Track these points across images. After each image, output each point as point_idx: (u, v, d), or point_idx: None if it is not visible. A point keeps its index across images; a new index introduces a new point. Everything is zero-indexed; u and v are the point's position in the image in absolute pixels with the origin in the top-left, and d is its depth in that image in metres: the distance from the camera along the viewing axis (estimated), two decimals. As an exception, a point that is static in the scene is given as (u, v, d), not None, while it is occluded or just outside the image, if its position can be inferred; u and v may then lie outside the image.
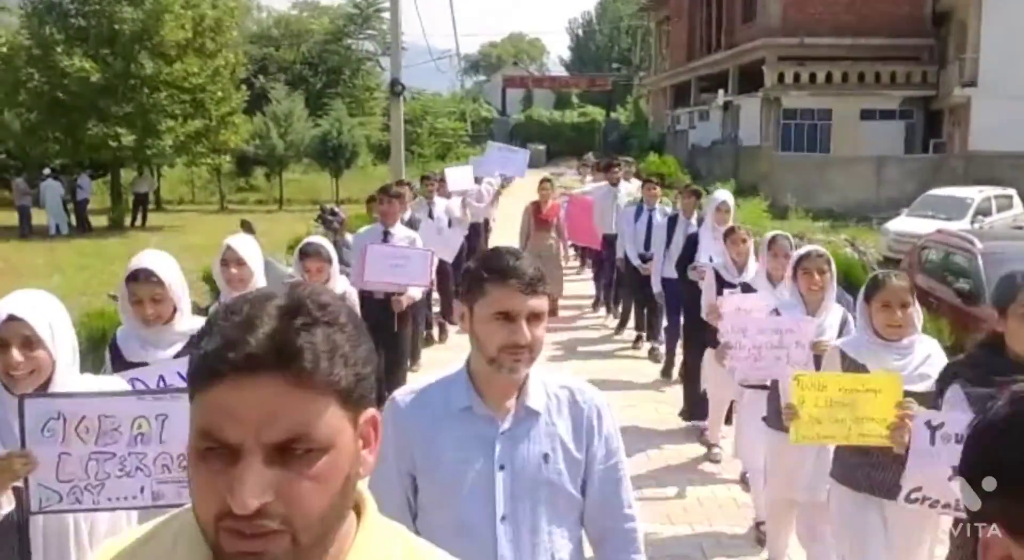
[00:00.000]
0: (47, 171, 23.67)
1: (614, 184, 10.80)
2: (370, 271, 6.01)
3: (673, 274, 7.58)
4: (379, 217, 6.68)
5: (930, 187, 20.43)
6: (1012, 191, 18.86)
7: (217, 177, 32.86)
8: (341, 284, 4.98)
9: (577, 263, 14.50)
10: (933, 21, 29.93)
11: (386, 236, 6.49)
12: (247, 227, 8.66)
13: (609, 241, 10.24)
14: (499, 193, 13.04)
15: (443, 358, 8.51)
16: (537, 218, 10.39)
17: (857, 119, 29.83)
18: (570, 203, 11.48)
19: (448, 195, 10.30)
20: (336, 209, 10.24)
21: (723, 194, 7.20)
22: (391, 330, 6.20)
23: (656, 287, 8.26)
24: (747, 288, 5.27)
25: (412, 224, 7.83)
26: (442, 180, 11.02)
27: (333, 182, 31.77)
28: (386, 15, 36.05)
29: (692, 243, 7.05)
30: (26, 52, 23.27)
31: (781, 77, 29.97)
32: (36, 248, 19.28)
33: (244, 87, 28.14)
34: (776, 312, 4.33)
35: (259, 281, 3.92)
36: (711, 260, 6.39)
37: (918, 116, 29.85)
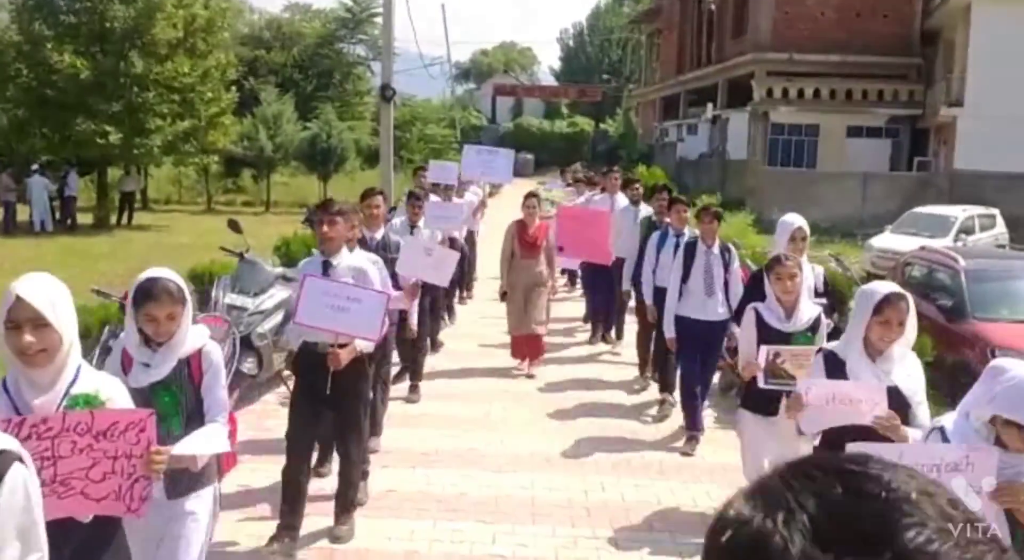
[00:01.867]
0: (34, 167, 23.55)
1: (612, 194, 9.97)
2: (304, 311, 4.53)
3: (693, 314, 6.61)
4: (319, 242, 4.98)
5: (914, 204, 20.62)
6: (995, 211, 19.04)
7: (205, 178, 32.73)
8: (198, 336, 3.13)
9: (566, 282, 13.56)
10: (921, 41, 30.30)
11: (326, 268, 4.84)
12: (235, 226, 8.61)
13: (616, 264, 8.86)
14: (484, 203, 12.18)
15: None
16: (522, 240, 8.71)
17: (844, 135, 30.14)
18: (562, 216, 9.42)
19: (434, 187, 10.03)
20: (325, 211, 10.16)
21: (796, 220, 5.68)
22: (337, 392, 4.66)
23: (669, 331, 6.79)
24: (835, 369, 3.58)
25: (386, 243, 6.47)
26: (434, 180, 10.76)
27: (321, 185, 31.69)
28: (378, 20, 36.07)
29: (758, 284, 5.17)
30: (15, 48, 23.16)
31: (770, 92, 30.24)
32: (19, 244, 19.12)
33: (234, 88, 28.06)
34: (938, 433, 2.73)
35: (73, 348, 2.52)
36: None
37: (904, 134, 30.18)
